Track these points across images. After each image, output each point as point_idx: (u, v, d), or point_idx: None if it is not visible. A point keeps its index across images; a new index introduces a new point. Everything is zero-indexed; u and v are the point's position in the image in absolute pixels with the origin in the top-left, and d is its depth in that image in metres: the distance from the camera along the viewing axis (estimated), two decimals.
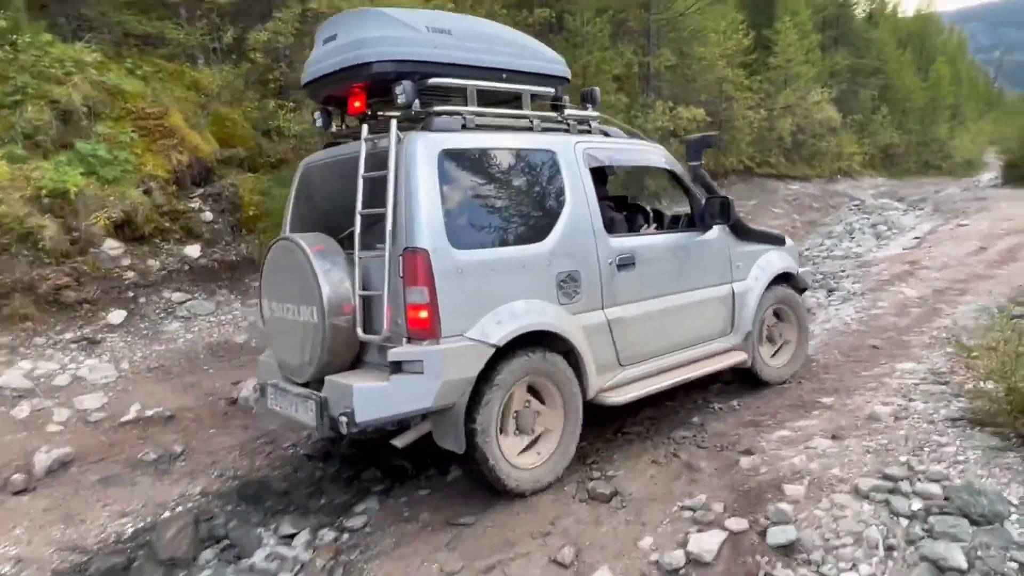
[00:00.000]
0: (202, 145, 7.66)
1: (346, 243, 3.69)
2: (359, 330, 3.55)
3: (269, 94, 9.15)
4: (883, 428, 4.35)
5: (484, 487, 3.85)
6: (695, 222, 5.00)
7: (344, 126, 4.25)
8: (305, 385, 3.73)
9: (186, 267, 7.15)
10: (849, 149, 26.28)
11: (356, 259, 3.56)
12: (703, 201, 4.90)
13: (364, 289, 3.57)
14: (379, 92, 3.76)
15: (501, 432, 3.74)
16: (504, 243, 3.76)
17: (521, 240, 3.82)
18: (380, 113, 4.01)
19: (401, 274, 3.41)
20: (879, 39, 32.45)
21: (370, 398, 3.35)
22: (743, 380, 5.65)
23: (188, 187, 7.48)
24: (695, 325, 4.84)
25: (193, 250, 7.29)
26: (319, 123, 4.15)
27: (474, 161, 3.74)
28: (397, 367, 3.42)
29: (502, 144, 3.88)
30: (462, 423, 3.55)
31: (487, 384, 3.59)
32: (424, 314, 3.38)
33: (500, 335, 3.56)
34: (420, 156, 3.48)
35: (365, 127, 3.70)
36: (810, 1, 27.15)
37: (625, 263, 4.27)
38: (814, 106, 22.68)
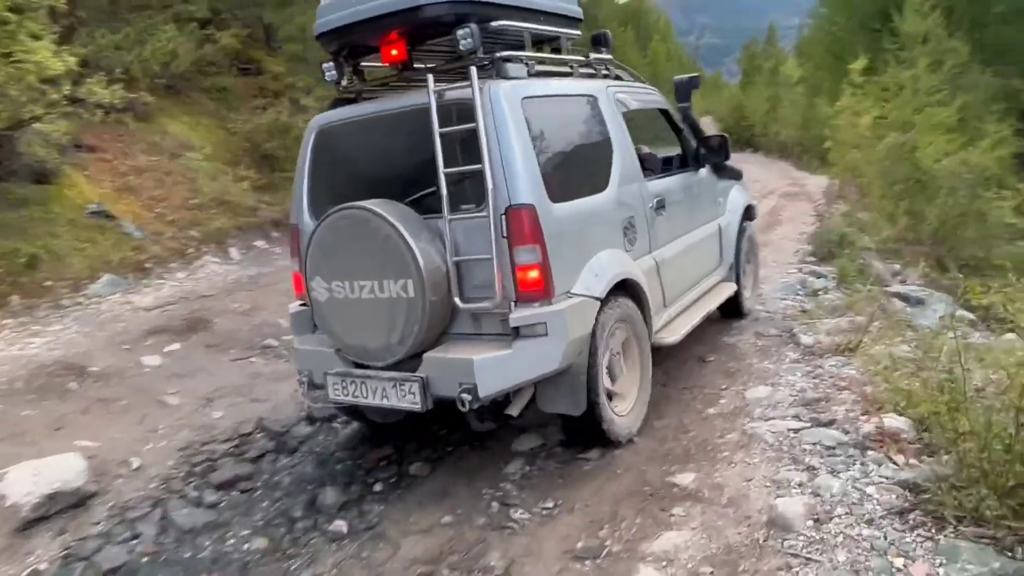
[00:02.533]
0: None
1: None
2: (457, 300, 3.21)
3: None
4: (805, 547, 2.57)
5: (588, 443, 3.65)
6: (687, 161, 5.01)
7: (353, 79, 3.75)
8: (390, 367, 3.32)
9: None
10: None
11: (446, 223, 3.16)
12: (695, 140, 5.01)
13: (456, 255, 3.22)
14: (418, 39, 3.45)
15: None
16: (582, 194, 3.56)
17: (592, 190, 3.67)
18: (416, 64, 3.55)
19: (505, 234, 3.12)
20: (603, 16, 33.59)
21: (494, 369, 3.11)
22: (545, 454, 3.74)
23: None
24: (702, 261, 4.97)
25: None
26: (330, 76, 3.68)
27: (547, 109, 3.50)
28: (515, 333, 3.16)
29: (561, 90, 3.74)
30: (583, 382, 3.34)
31: (595, 339, 3.39)
32: (535, 274, 3.15)
33: (601, 288, 3.43)
34: (506, 105, 3.21)
35: (431, 78, 3.18)
36: None
37: (660, 205, 4.25)
38: None
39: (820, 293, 6.71)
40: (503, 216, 3.11)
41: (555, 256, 3.18)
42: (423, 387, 3.16)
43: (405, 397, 3.22)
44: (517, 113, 3.21)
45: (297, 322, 3.86)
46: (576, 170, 3.63)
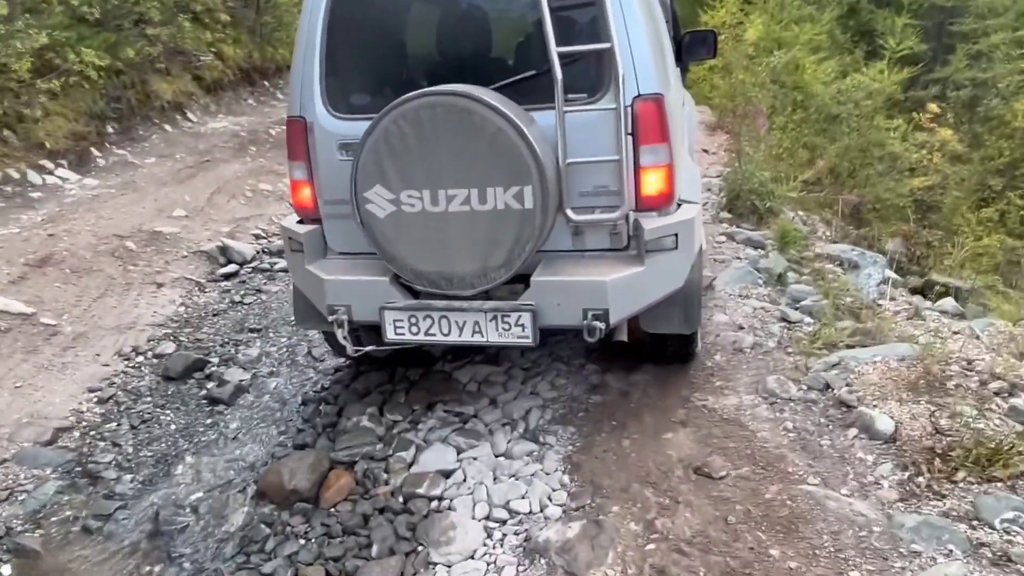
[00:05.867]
0: None
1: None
2: (569, 211, 2.64)
3: None
4: None
5: (679, 360, 3.38)
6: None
7: None
8: (477, 297, 2.77)
9: None
10: None
11: (560, 117, 2.55)
12: (679, 34, 4.19)
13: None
14: None
15: None
16: (669, 87, 2.93)
17: (667, 85, 2.89)
18: None
19: (629, 131, 2.59)
20: None
21: (627, 290, 2.65)
22: None
23: None
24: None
25: None
26: None
27: None
28: (642, 247, 2.69)
29: None
30: (700, 298, 2.99)
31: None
32: (661, 178, 2.68)
33: (698, 194, 3.17)
34: None
35: None
36: None
37: (683, 102, 3.75)
38: None
39: (783, 278, 4.73)
40: (629, 108, 2.56)
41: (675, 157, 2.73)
42: (534, 317, 2.62)
43: (510, 331, 2.68)
44: None
45: (309, 244, 2.94)
46: (665, 59, 2.96)
